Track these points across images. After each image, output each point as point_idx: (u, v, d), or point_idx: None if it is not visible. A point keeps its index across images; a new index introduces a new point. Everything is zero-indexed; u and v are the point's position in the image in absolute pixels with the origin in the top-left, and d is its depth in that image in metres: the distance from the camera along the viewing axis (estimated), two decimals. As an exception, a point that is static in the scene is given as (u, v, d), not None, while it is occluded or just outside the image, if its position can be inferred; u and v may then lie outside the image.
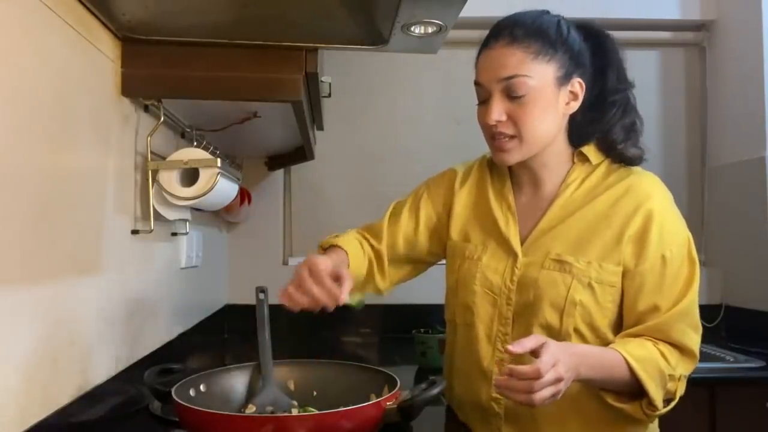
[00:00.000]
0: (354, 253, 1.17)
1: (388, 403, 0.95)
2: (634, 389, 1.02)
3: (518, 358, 0.98)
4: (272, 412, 1.10)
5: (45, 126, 0.86)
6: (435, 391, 0.97)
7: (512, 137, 1.07)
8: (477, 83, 1.11)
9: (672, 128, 2.48)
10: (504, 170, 1.20)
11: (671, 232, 1.07)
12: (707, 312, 2.34)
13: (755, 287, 2.17)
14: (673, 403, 1.05)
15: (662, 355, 1.03)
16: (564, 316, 1.06)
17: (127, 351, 1.19)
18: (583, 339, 1.08)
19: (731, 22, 2.33)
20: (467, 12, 1.02)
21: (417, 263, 1.29)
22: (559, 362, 0.92)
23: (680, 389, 1.06)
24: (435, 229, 1.25)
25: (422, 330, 1.79)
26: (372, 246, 1.24)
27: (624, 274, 1.07)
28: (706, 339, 2.14)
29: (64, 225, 0.92)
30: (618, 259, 1.06)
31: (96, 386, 1.03)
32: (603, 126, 1.12)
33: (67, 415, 0.91)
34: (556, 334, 1.06)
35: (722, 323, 2.33)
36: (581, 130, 1.13)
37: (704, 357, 1.96)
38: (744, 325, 2.22)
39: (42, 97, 0.85)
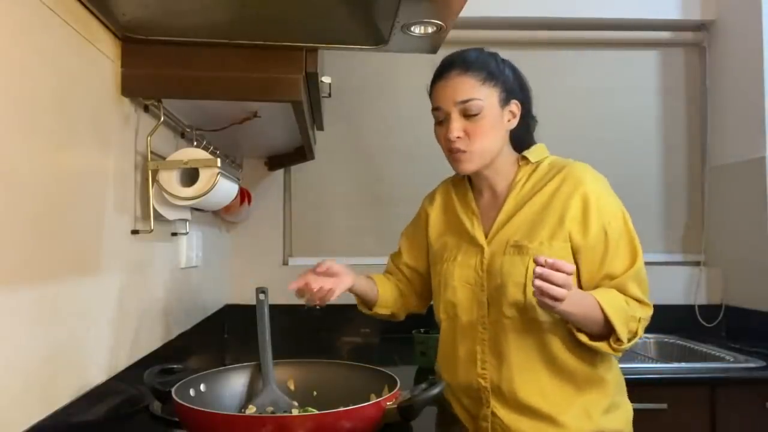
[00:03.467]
0: (380, 281, 1.46)
1: (388, 403, 0.96)
2: (603, 331, 1.18)
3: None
4: (272, 412, 1.11)
5: (45, 126, 0.86)
6: (435, 391, 0.97)
7: (464, 152, 1.27)
8: (436, 108, 1.29)
9: (672, 128, 2.48)
10: (465, 183, 1.40)
11: (607, 208, 1.25)
12: (707, 312, 2.35)
13: (755, 287, 2.17)
14: (636, 339, 1.21)
15: (626, 301, 1.21)
16: (526, 290, 1.21)
17: (127, 351, 1.19)
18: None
19: (731, 22, 2.33)
20: (467, 12, 1.03)
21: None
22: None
23: (640, 331, 1.22)
24: (425, 252, 1.47)
25: (422, 330, 1.79)
26: (393, 276, 1.51)
27: (577, 251, 1.23)
28: (706, 339, 2.16)
29: (64, 225, 0.92)
30: (564, 236, 1.23)
31: (96, 386, 1.03)
32: (531, 134, 1.37)
33: (67, 415, 0.91)
34: (522, 307, 1.22)
35: (722, 323, 2.33)
36: (522, 139, 1.35)
37: (704, 357, 1.97)
38: (744, 325, 2.22)
39: (42, 97, 0.85)
